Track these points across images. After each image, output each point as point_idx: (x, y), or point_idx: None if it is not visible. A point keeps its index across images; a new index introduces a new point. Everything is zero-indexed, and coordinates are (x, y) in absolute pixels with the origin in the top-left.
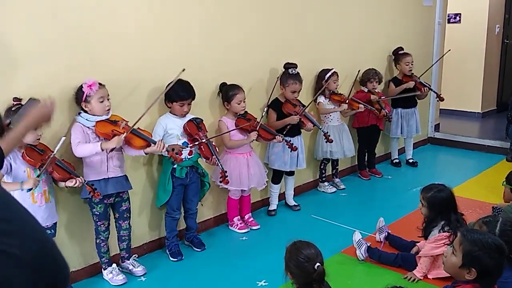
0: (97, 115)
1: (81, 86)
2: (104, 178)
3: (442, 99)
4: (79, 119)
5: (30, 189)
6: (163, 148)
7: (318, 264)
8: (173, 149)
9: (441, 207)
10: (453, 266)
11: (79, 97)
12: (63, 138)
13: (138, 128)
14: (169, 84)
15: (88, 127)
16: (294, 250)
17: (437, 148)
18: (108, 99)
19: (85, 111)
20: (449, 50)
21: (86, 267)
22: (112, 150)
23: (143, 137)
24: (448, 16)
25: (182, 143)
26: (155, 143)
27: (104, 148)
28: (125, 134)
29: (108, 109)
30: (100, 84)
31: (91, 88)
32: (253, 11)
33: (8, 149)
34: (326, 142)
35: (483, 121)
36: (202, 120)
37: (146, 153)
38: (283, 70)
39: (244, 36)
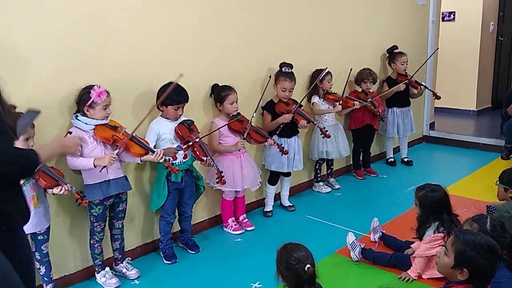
0: (97, 119)
1: (88, 91)
2: (104, 181)
3: (438, 97)
4: (76, 123)
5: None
6: (161, 158)
7: (308, 265)
8: (169, 159)
9: (432, 206)
10: (445, 267)
11: (83, 101)
12: None
13: (137, 135)
14: (163, 89)
15: (86, 131)
16: (285, 252)
17: (432, 147)
18: (109, 106)
19: (84, 114)
20: (437, 48)
21: (79, 271)
22: (104, 166)
23: (142, 145)
24: (443, 14)
25: (176, 147)
26: (153, 152)
27: (97, 164)
28: (116, 151)
29: (108, 116)
30: (106, 91)
31: (99, 96)
32: (248, 12)
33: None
34: (323, 137)
35: (478, 119)
36: (193, 122)
37: (141, 161)
38: (278, 69)
39: (239, 37)
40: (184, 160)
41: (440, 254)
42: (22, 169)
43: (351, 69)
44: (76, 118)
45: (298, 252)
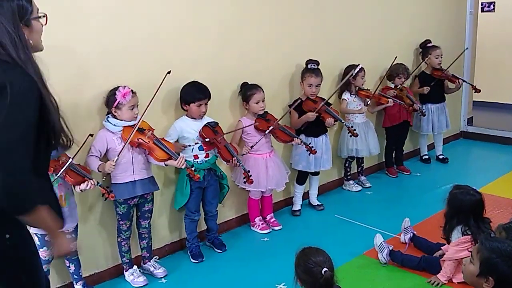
0: (125, 120)
1: (114, 92)
2: (131, 181)
3: (478, 91)
4: (106, 125)
5: None
6: (183, 165)
7: (325, 269)
8: (192, 166)
9: (459, 209)
10: (471, 275)
11: (110, 102)
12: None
13: (163, 139)
14: (184, 89)
15: (114, 132)
16: (303, 256)
17: (470, 143)
18: (137, 106)
19: (114, 116)
20: (466, 48)
21: (109, 268)
22: (108, 173)
23: (165, 150)
24: (482, 5)
25: (198, 148)
26: (176, 158)
27: (100, 170)
28: (116, 159)
29: (136, 116)
30: (132, 92)
31: (124, 97)
32: (272, 9)
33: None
34: (350, 136)
35: None
36: (218, 124)
37: (166, 165)
38: (304, 66)
39: (264, 34)
40: (206, 159)
41: (466, 262)
42: (11, 201)
43: (394, 59)
44: (107, 120)
45: (316, 256)
